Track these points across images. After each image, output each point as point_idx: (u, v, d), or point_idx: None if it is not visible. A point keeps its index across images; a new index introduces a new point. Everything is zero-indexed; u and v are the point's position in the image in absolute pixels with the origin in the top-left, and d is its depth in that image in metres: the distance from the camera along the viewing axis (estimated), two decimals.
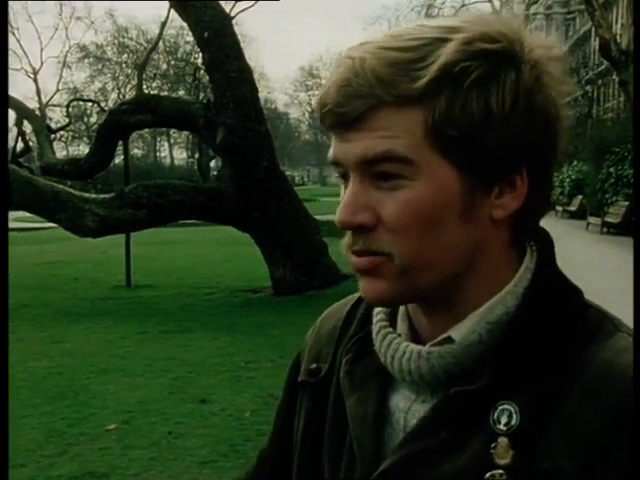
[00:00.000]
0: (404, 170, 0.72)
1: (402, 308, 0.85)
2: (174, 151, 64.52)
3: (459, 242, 0.75)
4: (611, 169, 22.31)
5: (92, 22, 68.20)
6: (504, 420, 0.72)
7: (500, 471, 0.70)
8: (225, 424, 5.25)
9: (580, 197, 27.62)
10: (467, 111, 0.72)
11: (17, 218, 25.83)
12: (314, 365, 0.94)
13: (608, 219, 20.84)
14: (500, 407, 0.72)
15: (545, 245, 0.82)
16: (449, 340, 0.78)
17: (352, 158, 0.75)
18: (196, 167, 45.01)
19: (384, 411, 0.83)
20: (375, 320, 0.86)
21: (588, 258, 15.10)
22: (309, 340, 0.99)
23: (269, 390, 5.90)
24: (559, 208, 30.41)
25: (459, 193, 0.74)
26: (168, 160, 62.59)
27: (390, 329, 0.83)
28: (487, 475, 0.70)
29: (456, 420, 0.75)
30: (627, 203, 19.85)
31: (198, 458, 4.60)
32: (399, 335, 0.83)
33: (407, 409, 0.81)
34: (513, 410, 0.72)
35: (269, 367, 6.77)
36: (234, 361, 7.06)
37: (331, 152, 0.77)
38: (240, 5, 34.91)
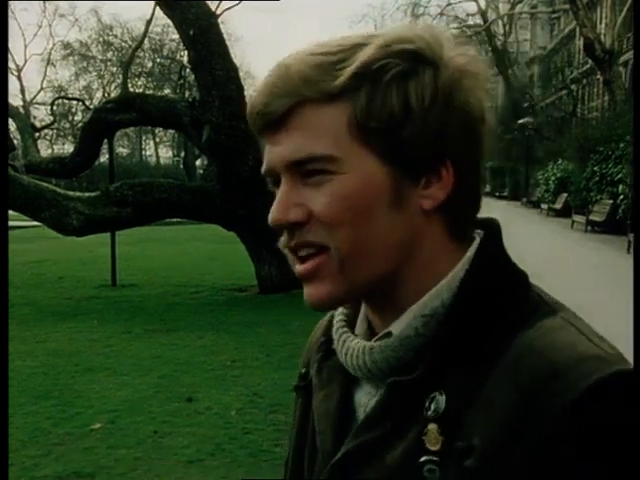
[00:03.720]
0: (328, 166, 0.75)
1: (362, 310, 0.87)
2: (160, 150, 64.25)
3: (393, 233, 0.77)
4: (595, 167, 22.45)
5: (76, 20, 68.11)
6: (433, 407, 0.73)
7: (432, 457, 0.72)
8: (211, 423, 5.24)
9: (565, 195, 27.78)
10: (387, 105, 0.75)
11: None
12: (303, 370, 0.98)
13: (593, 217, 20.98)
14: (432, 395, 0.74)
15: (488, 233, 0.83)
16: (390, 335, 0.80)
17: (280, 161, 0.78)
18: (182, 166, 44.95)
19: (349, 407, 0.86)
20: (335, 321, 0.89)
21: (573, 256, 15.19)
22: (306, 347, 1.03)
23: (255, 389, 5.90)
24: (544, 206, 30.58)
25: (386, 184, 0.76)
26: (154, 159, 62.31)
27: (345, 329, 0.86)
28: (420, 460, 0.72)
29: (397, 411, 0.77)
30: (611, 201, 20.00)
31: (184, 457, 4.59)
32: (356, 335, 0.85)
33: (367, 404, 0.83)
34: (441, 398, 0.73)
35: (255, 366, 6.77)
36: (220, 360, 7.06)
37: (264, 162, 0.81)
38: (225, 3, 34.78)
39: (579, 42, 37.93)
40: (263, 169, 0.81)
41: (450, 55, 0.78)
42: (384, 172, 0.76)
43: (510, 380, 0.70)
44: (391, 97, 0.75)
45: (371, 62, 0.75)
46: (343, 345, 0.85)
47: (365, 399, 0.84)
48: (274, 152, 0.79)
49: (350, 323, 0.88)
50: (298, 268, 0.79)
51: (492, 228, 0.84)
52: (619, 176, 19.67)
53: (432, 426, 0.73)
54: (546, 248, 16.10)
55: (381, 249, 0.77)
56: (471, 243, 0.82)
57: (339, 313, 0.89)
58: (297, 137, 0.77)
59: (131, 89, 43.88)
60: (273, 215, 0.79)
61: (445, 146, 0.77)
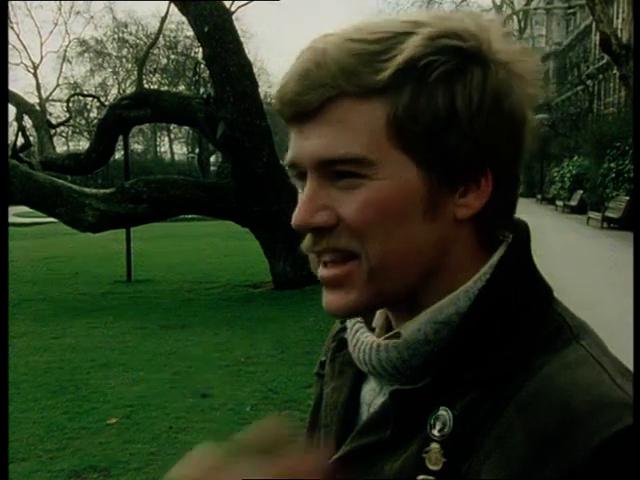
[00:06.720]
0: (361, 169, 0.70)
1: None
2: (174, 146, 64.33)
3: (424, 242, 0.72)
4: (612, 164, 22.30)
5: (92, 17, 68.42)
6: (439, 426, 0.69)
7: (430, 477, 0.69)
8: (225, 418, 5.25)
9: (580, 192, 27.64)
10: (432, 107, 0.69)
11: (17, 213, 25.87)
12: (323, 357, 0.94)
13: (609, 214, 20.85)
14: (438, 411, 0.70)
15: (515, 240, 0.77)
16: (399, 335, 0.76)
17: (309, 158, 0.72)
18: (196, 162, 45.05)
19: (356, 402, 0.83)
20: None
21: (589, 253, 15.11)
22: (330, 333, 1.00)
23: (269, 385, 5.92)
24: (559, 203, 30.43)
25: (422, 191, 0.71)
26: (168, 155, 62.41)
27: (360, 319, 0.83)
28: (418, 478, 0.69)
29: (398, 420, 0.73)
30: (628, 198, 19.86)
31: None
32: (373, 329, 0.82)
33: (371, 402, 0.81)
34: (448, 417, 0.69)
35: (269, 362, 6.78)
36: (234, 356, 7.07)
37: (289, 153, 0.75)
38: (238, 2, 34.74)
39: (595, 37, 37.63)
40: (287, 160, 0.75)
41: (498, 51, 0.72)
42: (420, 179, 0.70)
43: (523, 421, 0.65)
44: (436, 99, 0.69)
45: (418, 58, 0.69)
46: (354, 336, 0.81)
47: (369, 396, 0.81)
48: (303, 146, 0.72)
49: (368, 314, 0.84)
50: (323, 273, 0.74)
51: (521, 232, 0.78)
52: None
53: (435, 446, 0.69)
54: (561, 245, 16.03)
55: (413, 259, 0.72)
56: (498, 248, 0.76)
57: None
58: (330, 133, 0.70)
59: (146, 86, 43.90)
60: (298, 217, 0.72)
61: (488, 154, 0.71)
